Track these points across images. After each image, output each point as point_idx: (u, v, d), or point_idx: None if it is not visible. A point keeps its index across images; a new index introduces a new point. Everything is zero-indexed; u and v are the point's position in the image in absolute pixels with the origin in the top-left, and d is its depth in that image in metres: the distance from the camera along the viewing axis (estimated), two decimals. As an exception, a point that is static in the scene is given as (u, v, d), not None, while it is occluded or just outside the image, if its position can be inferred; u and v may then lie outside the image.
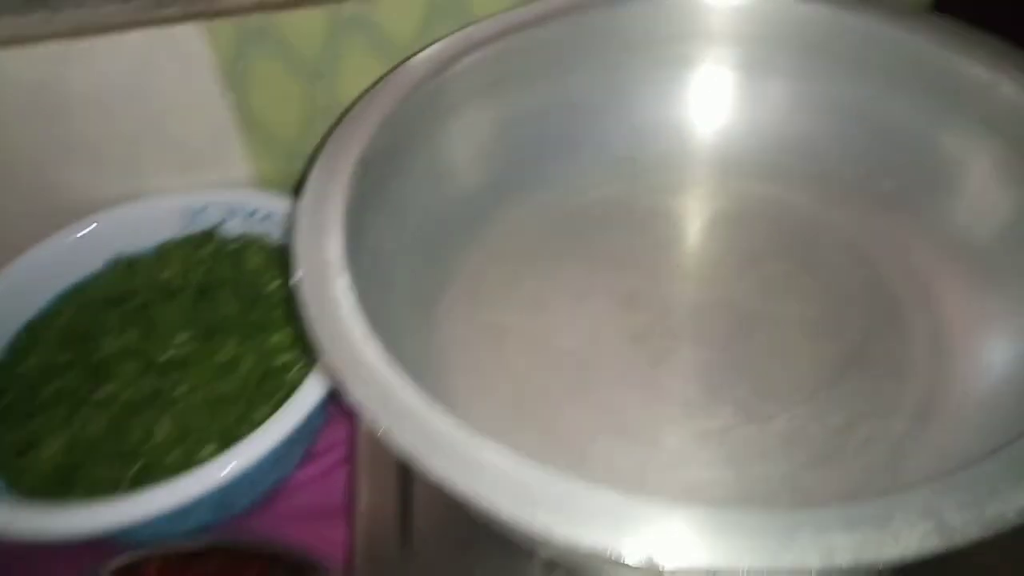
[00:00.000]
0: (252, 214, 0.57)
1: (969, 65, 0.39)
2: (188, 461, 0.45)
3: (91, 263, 0.57)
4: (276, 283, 0.54)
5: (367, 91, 0.39)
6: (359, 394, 0.26)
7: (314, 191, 0.34)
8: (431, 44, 0.41)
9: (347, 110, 0.38)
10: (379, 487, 0.38)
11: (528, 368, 0.37)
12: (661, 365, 0.38)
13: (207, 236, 0.57)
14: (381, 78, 0.39)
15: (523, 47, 0.42)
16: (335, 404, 0.47)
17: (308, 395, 0.45)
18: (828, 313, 0.40)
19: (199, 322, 0.51)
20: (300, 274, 0.30)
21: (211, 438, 0.46)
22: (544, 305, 0.40)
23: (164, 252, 0.57)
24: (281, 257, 0.56)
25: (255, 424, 0.46)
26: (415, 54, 0.41)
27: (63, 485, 0.45)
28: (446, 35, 0.42)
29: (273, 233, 0.57)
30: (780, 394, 0.36)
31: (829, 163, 0.44)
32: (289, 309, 0.52)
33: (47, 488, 0.45)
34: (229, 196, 0.57)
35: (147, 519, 0.41)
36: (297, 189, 0.37)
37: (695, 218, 0.45)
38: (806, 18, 0.43)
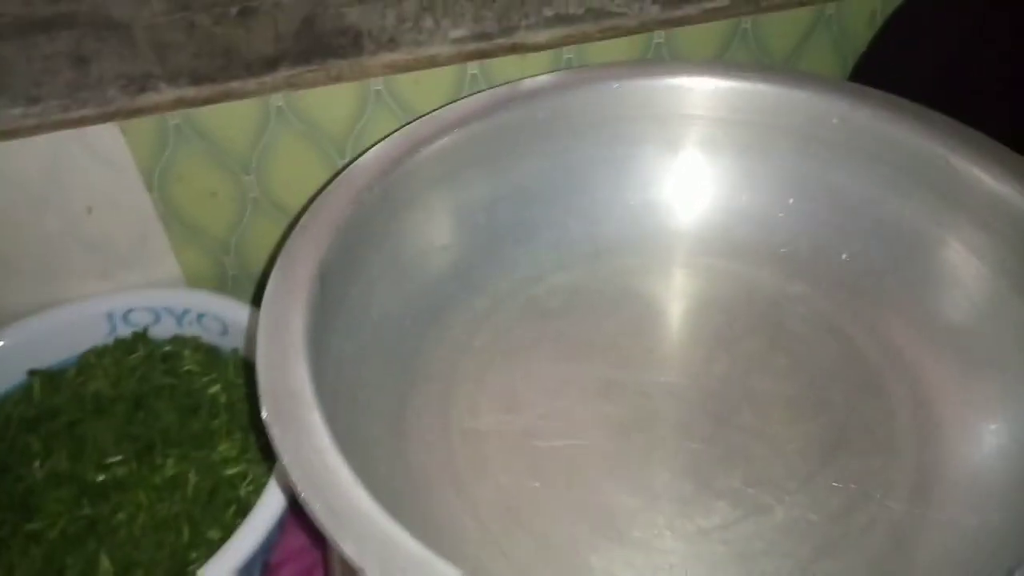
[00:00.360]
0: (183, 314, 0.54)
1: (950, 155, 0.40)
2: (135, 596, 0.42)
3: (3, 382, 0.52)
4: (216, 387, 0.51)
5: (314, 198, 0.37)
6: (352, 549, 0.24)
7: (272, 312, 0.32)
8: (375, 144, 0.40)
9: (296, 219, 0.36)
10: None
11: (513, 476, 0.36)
12: (649, 459, 0.37)
13: (135, 341, 0.54)
14: (328, 182, 0.38)
15: (470, 139, 0.41)
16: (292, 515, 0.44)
17: (266, 512, 0.42)
18: (808, 390, 0.40)
19: (134, 438, 0.48)
20: (268, 411, 0.28)
21: (159, 568, 0.43)
22: (518, 403, 0.39)
23: (87, 362, 0.53)
24: (216, 360, 0.53)
25: (208, 546, 0.44)
26: (360, 155, 0.40)
27: (-8, 639, 0.41)
28: (388, 134, 0.41)
29: (206, 334, 0.54)
30: (774, 482, 0.36)
31: (793, 241, 0.45)
32: (233, 416, 0.50)
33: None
34: (156, 297, 0.54)
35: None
36: (257, 297, 0.35)
37: (660, 300, 0.45)
38: (771, 100, 0.44)
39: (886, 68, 0.54)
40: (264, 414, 0.28)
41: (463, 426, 0.37)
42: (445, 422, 0.37)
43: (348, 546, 0.24)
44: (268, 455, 0.48)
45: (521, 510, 0.35)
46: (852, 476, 0.36)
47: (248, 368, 0.51)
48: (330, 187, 0.38)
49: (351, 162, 0.40)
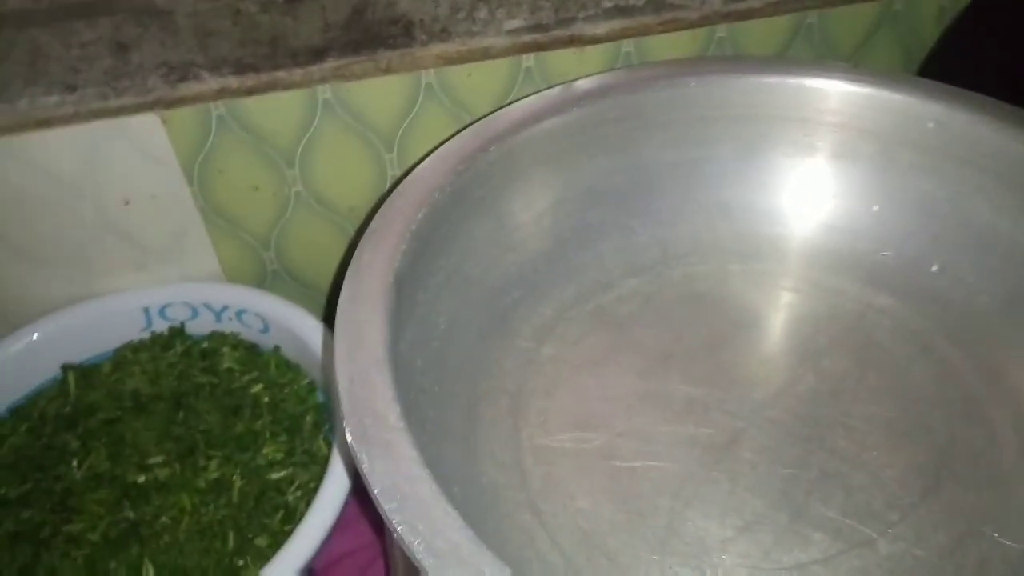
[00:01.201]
0: (222, 310, 0.52)
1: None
2: (182, 604, 0.41)
3: (36, 376, 0.51)
4: (258, 387, 0.50)
5: (382, 203, 0.36)
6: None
7: (348, 325, 0.30)
8: (439, 145, 0.39)
9: (363, 226, 0.35)
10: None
11: (591, 500, 0.34)
12: (737, 485, 0.35)
13: (172, 337, 0.53)
14: (394, 186, 0.36)
15: (541, 137, 0.40)
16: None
17: (319, 520, 0.41)
18: (903, 412, 0.38)
19: (176, 438, 0.47)
20: (352, 433, 0.27)
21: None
22: (593, 419, 0.37)
23: (123, 358, 0.52)
24: (256, 358, 0.52)
25: (256, 554, 0.42)
26: (424, 158, 0.38)
27: (34, 647, 0.40)
28: (452, 135, 0.39)
29: (246, 331, 0.53)
30: (874, 512, 0.34)
31: (879, 251, 0.43)
32: (276, 417, 0.48)
33: (15, 653, 0.39)
34: (194, 291, 0.53)
35: None
36: (328, 312, 0.34)
37: (738, 310, 0.43)
38: (860, 102, 0.42)
39: (953, 66, 0.52)
40: (348, 437, 0.27)
41: (535, 443, 0.36)
42: (516, 440, 0.36)
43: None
44: (314, 460, 0.47)
45: (603, 538, 0.33)
46: (959, 509, 0.34)
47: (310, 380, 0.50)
48: (398, 189, 0.36)
49: (417, 163, 0.38)
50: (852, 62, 0.55)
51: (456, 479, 0.32)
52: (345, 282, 0.32)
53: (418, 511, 0.24)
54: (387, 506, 0.24)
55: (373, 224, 0.34)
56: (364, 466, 0.26)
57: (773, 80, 0.43)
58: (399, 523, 0.24)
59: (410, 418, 0.30)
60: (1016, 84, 0.49)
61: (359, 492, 0.42)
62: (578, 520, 0.34)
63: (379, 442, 0.26)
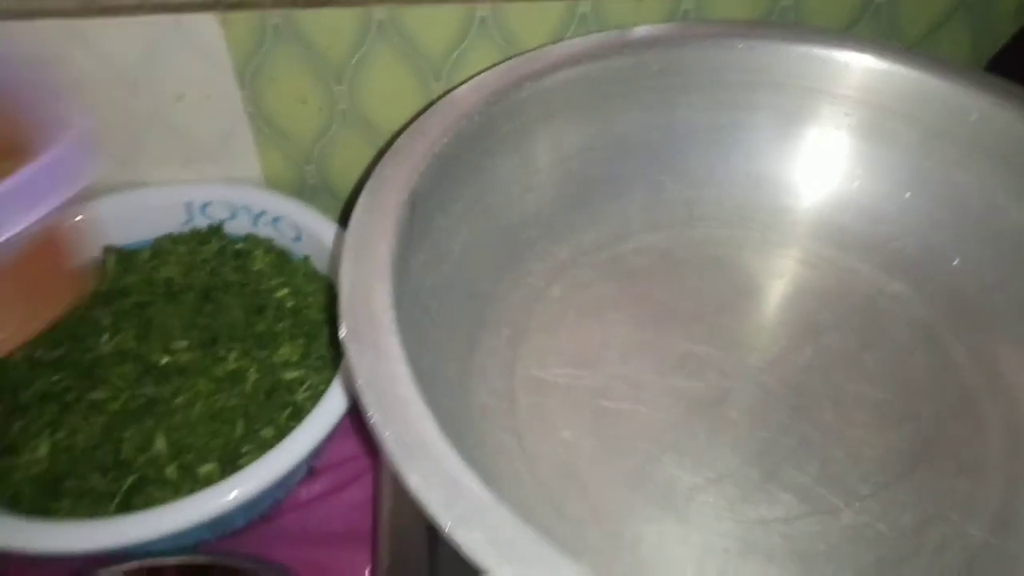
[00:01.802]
0: (260, 215, 0.54)
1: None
2: (185, 477, 0.44)
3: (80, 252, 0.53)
4: (284, 291, 0.52)
5: (411, 122, 0.37)
6: (416, 482, 0.24)
7: (359, 233, 0.32)
8: (477, 75, 0.39)
9: (390, 141, 0.36)
10: (405, 543, 0.36)
11: (574, 433, 0.35)
12: (717, 439, 0.36)
13: (210, 234, 0.55)
14: (425, 108, 0.37)
15: (577, 81, 0.40)
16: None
17: (320, 420, 0.43)
18: (895, 397, 0.38)
19: (201, 327, 0.49)
20: (347, 330, 0.29)
21: (211, 455, 0.44)
22: (589, 360, 0.38)
23: (161, 247, 0.54)
24: (287, 264, 0.54)
25: (260, 444, 0.45)
26: (460, 84, 0.39)
27: (48, 495, 0.43)
28: (492, 64, 0.40)
29: (280, 237, 0.55)
30: (845, 485, 0.35)
31: (902, 238, 0.43)
32: (297, 322, 0.50)
33: (31, 497, 0.42)
34: (236, 193, 0.55)
35: (143, 541, 0.39)
36: (344, 215, 0.35)
37: (751, 277, 0.43)
38: (906, 85, 0.41)
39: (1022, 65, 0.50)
40: (342, 332, 0.28)
41: (529, 374, 0.37)
42: (512, 368, 0.37)
43: (412, 479, 0.24)
44: (327, 365, 0.49)
45: (579, 469, 0.35)
46: (930, 493, 0.34)
47: (329, 287, 0.52)
48: (429, 111, 0.37)
49: (452, 89, 0.39)
50: (916, 47, 0.54)
51: (448, 395, 0.33)
52: (362, 194, 0.33)
53: (394, 407, 0.26)
54: (367, 399, 0.26)
55: (398, 143, 0.35)
56: (352, 360, 0.27)
57: (821, 53, 0.42)
58: (374, 415, 0.26)
59: (412, 333, 0.31)
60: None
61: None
62: (558, 449, 0.35)
63: (369, 340, 0.28)
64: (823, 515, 0.34)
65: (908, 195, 0.42)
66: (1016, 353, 0.39)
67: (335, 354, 0.49)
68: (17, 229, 0.32)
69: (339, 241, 0.50)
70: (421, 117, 0.37)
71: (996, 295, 0.40)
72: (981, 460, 0.36)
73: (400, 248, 0.32)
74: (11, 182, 0.32)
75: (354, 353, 0.28)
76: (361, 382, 0.27)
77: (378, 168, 0.34)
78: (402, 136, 0.36)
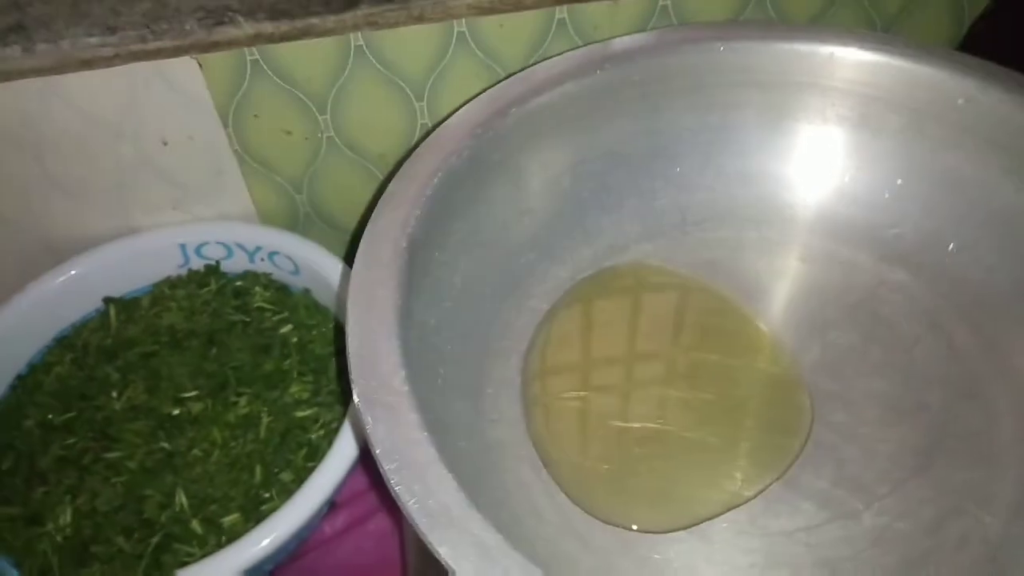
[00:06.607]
0: (256, 251, 0.54)
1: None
2: (210, 530, 0.44)
3: (79, 308, 0.53)
4: (287, 327, 0.51)
5: (402, 163, 0.36)
6: (447, 552, 0.24)
7: (361, 291, 0.31)
8: (460, 107, 0.39)
9: (383, 185, 0.35)
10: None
11: (590, 458, 0.35)
12: (734, 451, 0.36)
13: (208, 274, 0.54)
14: (415, 146, 0.37)
15: (562, 100, 0.39)
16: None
17: (338, 460, 0.43)
18: (904, 389, 0.38)
19: (208, 374, 0.49)
20: (360, 398, 0.28)
21: (233, 505, 0.44)
22: (598, 380, 0.38)
23: (161, 293, 0.54)
24: (286, 299, 0.54)
25: (280, 488, 0.45)
26: (449, 116, 0.38)
27: (77, 562, 0.43)
28: (478, 93, 0.39)
29: (277, 272, 0.54)
30: (863, 486, 0.35)
31: (897, 225, 0.42)
32: (303, 357, 0.50)
33: (60, 566, 0.42)
34: (230, 232, 0.54)
35: (177, 599, 0.39)
36: (349, 255, 0.34)
37: (751, 278, 0.43)
38: (889, 72, 0.41)
39: (1005, 34, 0.49)
40: (356, 398, 0.28)
41: (540, 401, 0.37)
42: (523, 397, 0.37)
43: (443, 549, 0.24)
44: (338, 400, 0.49)
45: (599, 496, 0.35)
46: (946, 486, 0.34)
47: (335, 321, 0.52)
48: (417, 151, 0.36)
49: (437, 125, 0.38)
50: (896, 23, 0.53)
51: (463, 434, 0.33)
52: (360, 248, 0.33)
53: (415, 473, 0.26)
54: (387, 467, 0.26)
55: (390, 188, 0.35)
56: (368, 428, 0.27)
57: (802, 48, 0.42)
58: (397, 483, 0.26)
59: (421, 376, 0.31)
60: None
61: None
62: (576, 476, 0.35)
63: (383, 405, 0.28)
64: (844, 520, 0.34)
65: (900, 181, 0.42)
66: (1020, 334, 0.39)
67: (344, 387, 0.49)
68: None
69: (345, 281, 0.49)
70: (411, 158, 0.37)
71: (995, 277, 0.40)
72: (993, 447, 0.36)
73: (403, 296, 0.32)
74: None
75: (369, 420, 0.27)
76: (379, 451, 0.26)
77: (372, 218, 0.34)
78: (392, 182, 0.36)
